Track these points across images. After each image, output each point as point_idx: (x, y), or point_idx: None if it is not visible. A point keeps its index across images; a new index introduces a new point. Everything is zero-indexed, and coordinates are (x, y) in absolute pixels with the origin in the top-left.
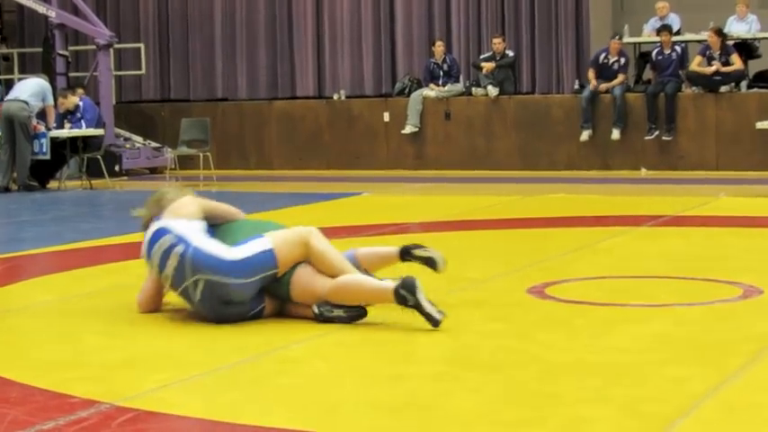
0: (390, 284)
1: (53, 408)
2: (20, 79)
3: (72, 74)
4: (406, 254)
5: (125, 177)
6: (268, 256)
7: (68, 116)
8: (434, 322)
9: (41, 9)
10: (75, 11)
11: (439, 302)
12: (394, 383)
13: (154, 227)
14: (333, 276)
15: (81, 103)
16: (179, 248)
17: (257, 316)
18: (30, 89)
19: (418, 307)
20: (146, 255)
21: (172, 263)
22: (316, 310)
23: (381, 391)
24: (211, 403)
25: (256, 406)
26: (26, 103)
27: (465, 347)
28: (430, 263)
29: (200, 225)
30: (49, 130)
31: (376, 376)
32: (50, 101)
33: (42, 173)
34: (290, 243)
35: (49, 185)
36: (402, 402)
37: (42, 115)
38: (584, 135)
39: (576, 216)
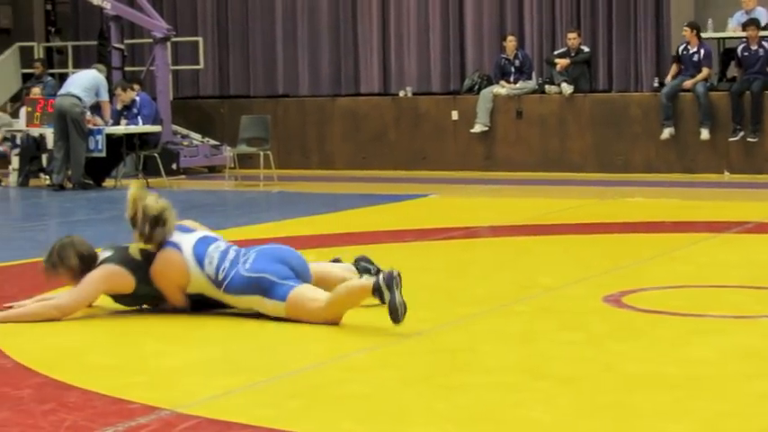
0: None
1: (112, 413)
2: (74, 73)
3: (128, 68)
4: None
5: (182, 176)
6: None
7: (125, 112)
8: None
9: (96, 1)
10: (131, 2)
11: (509, 310)
12: (463, 393)
13: (194, 236)
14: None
15: (138, 99)
16: (234, 246)
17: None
18: (82, 83)
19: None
20: (193, 256)
21: (229, 256)
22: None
23: (450, 400)
24: (275, 411)
25: (321, 414)
26: (79, 98)
27: (537, 357)
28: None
29: None
30: (105, 124)
31: (444, 385)
32: (104, 95)
33: (98, 171)
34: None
35: (104, 184)
36: (471, 413)
37: (97, 110)
38: (666, 133)
39: (654, 221)
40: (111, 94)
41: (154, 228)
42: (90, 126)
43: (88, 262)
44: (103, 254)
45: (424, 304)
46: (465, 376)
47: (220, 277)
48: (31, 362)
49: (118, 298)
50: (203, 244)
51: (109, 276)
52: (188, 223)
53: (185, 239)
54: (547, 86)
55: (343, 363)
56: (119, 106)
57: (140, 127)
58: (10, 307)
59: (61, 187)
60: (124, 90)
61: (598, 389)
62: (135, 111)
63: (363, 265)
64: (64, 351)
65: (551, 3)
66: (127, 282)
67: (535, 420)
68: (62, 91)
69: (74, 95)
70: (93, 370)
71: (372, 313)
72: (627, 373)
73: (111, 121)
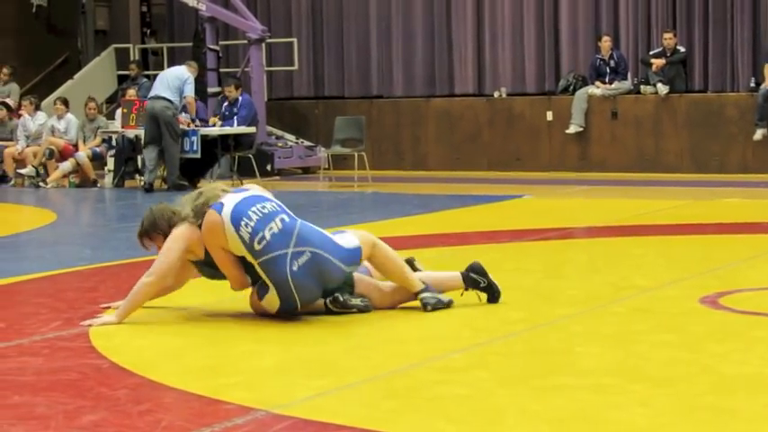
0: (457, 273)
1: (208, 414)
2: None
3: (222, 69)
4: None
5: (277, 177)
6: (358, 254)
7: (228, 109)
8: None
9: (191, 2)
10: (226, 4)
11: (605, 311)
12: (558, 394)
13: (240, 195)
14: (390, 278)
15: (240, 99)
16: (284, 216)
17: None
18: (169, 84)
19: (491, 286)
20: (230, 215)
21: (273, 226)
22: (339, 298)
23: (545, 402)
24: (370, 412)
25: (416, 416)
26: (170, 101)
27: (632, 358)
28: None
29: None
30: (193, 121)
31: (539, 387)
32: (189, 92)
33: (192, 171)
34: (367, 244)
35: (199, 185)
36: (566, 414)
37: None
38: (758, 134)
39: (751, 222)
40: (204, 94)
41: (191, 208)
42: (183, 127)
43: (176, 222)
44: (185, 209)
45: (520, 305)
46: (560, 377)
47: (257, 247)
48: (126, 362)
49: (200, 267)
50: (245, 204)
51: (184, 232)
52: (250, 186)
53: (230, 199)
54: (642, 87)
55: (438, 364)
56: (230, 100)
57: (235, 128)
58: (108, 307)
59: (152, 187)
60: (236, 88)
61: (695, 391)
62: (234, 110)
63: (473, 278)
64: (160, 352)
65: (647, 2)
66: (199, 239)
67: (631, 423)
68: (152, 93)
69: (165, 98)
70: (189, 370)
71: (466, 314)
72: (724, 375)
73: (195, 118)
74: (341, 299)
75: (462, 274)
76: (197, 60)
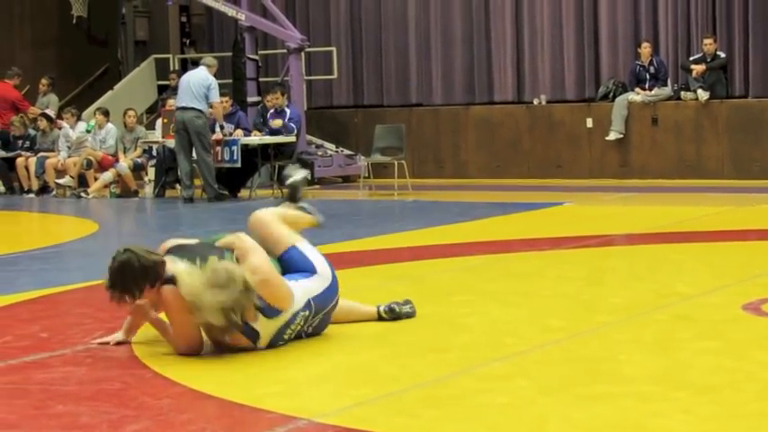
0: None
1: (250, 423)
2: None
3: (262, 78)
4: None
5: (317, 186)
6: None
7: (274, 118)
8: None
9: (231, 12)
10: (265, 13)
11: (647, 318)
12: (600, 402)
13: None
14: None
15: (288, 111)
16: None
17: None
18: (194, 92)
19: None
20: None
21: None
22: (395, 309)
23: (587, 410)
24: (411, 421)
25: (457, 424)
26: (199, 111)
27: (675, 366)
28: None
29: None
30: (222, 128)
31: (581, 395)
32: (214, 98)
33: (233, 181)
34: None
35: (239, 194)
36: (608, 423)
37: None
38: None
39: None
40: (244, 103)
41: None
42: (216, 137)
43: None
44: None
45: (561, 313)
46: (602, 385)
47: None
48: (169, 372)
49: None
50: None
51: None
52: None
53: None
54: (682, 93)
55: (479, 372)
56: (269, 106)
57: (275, 137)
58: (106, 342)
59: (192, 200)
60: (283, 95)
61: (739, 399)
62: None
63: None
64: (202, 361)
65: (686, 8)
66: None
67: (674, 430)
68: (178, 103)
69: (192, 108)
70: (231, 380)
71: (506, 322)
72: None
73: (222, 125)
74: (396, 309)
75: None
76: (237, 70)
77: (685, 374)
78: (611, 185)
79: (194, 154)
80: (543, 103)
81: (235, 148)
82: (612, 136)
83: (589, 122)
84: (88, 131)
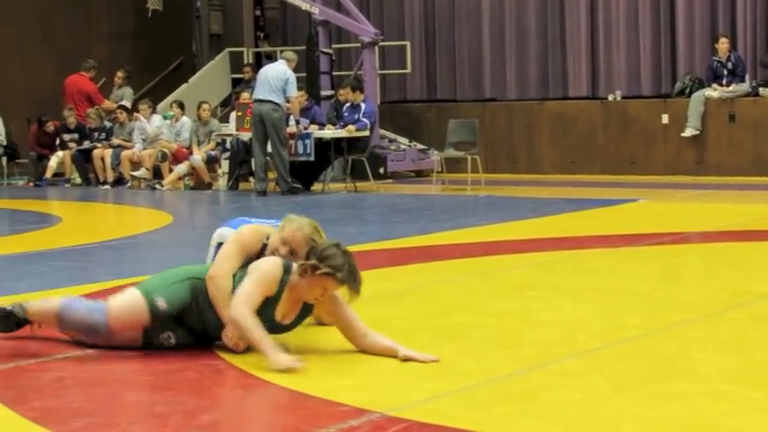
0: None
1: (323, 415)
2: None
3: (335, 72)
4: None
5: (390, 180)
6: None
7: (346, 113)
8: None
9: (305, 6)
10: (339, 7)
11: (722, 317)
12: (675, 401)
13: None
14: None
15: (363, 106)
16: None
17: None
18: (271, 85)
19: None
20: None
21: None
22: None
23: (662, 408)
24: (484, 416)
25: (531, 420)
26: (276, 104)
27: (751, 365)
28: None
29: None
30: (297, 123)
31: (656, 393)
32: (292, 92)
33: (306, 174)
34: None
35: (312, 188)
36: (684, 421)
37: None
38: None
39: None
40: (318, 97)
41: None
42: (291, 130)
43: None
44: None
45: (635, 310)
46: (677, 384)
47: None
48: (242, 363)
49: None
50: None
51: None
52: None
53: None
54: (761, 89)
55: (553, 368)
56: (343, 99)
57: (348, 131)
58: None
59: (265, 193)
60: (353, 91)
61: None
62: (356, 116)
63: None
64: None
65: (765, 3)
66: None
67: (750, 430)
68: (255, 95)
69: (269, 101)
70: (305, 372)
71: (580, 319)
72: None
73: (298, 120)
74: None
75: None
76: (311, 63)
77: (761, 374)
78: (686, 182)
79: (269, 147)
80: (618, 98)
81: (308, 141)
82: (688, 132)
83: (665, 118)
84: (165, 118)
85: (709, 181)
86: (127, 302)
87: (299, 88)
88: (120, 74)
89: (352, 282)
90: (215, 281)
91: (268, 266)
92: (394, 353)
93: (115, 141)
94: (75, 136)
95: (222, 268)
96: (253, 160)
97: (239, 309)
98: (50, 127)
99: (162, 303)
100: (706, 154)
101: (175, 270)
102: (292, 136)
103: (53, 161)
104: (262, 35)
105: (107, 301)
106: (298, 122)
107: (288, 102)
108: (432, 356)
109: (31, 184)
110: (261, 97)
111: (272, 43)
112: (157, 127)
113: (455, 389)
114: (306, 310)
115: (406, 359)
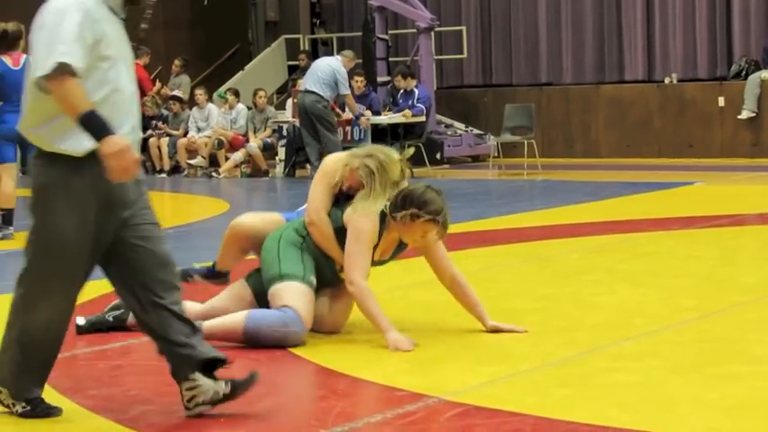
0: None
1: (380, 400)
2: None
3: (391, 58)
4: None
5: (446, 165)
6: None
7: (401, 100)
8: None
9: None
10: None
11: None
12: (733, 382)
13: None
14: None
15: (417, 92)
16: None
17: None
18: (319, 78)
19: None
20: None
21: None
22: None
23: (719, 390)
24: (541, 399)
25: (589, 403)
26: (320, 95)
27: None
28: None
29: None
30: (356, 119)
31: (712, 375)
32: (345, 90)
33: None
34: None
35: None
36: (740, 402)
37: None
38: None
39: None
40: (374, 84)
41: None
42: (346, 117)
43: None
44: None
45: (692, 292)
46: (735, 365)
47: None
48: (301, 350)
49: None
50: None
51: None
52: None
53: None
54: None
55: (609, 351)
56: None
57: (405, 115)
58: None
59: None
60: (404, 78)
61: None
62: (410, 102)
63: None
64: (333, 339)
65: None
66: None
67: None
68: (303, 86)
69: (313, 92)
70: (363, 358)
71: (637, 302)
72: None
73: (359, 112)
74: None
75: None
76: (367, 50)
77: None
78: (742, 165)
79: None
80: (674, 81)
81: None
82: (745, 114)
83: (721, 101)
84: (220, 97)
85: (766, 163)
86: (306, 301)
87: (358, 73)
88: (177, 62)
89: (447, 222)
90: (318, 226)
91: (367, 225)
92: (481, 319)
93: (164, 131)
94: None
95: (317, 211)
96: (306, 148)
97: (357, 280)
98: None
99: (313, 279)
100: (762, 136)
101: (273, 245)
102: (348, 122)
103: None
104: (318, 22)
105: (289, 307)
106: (358, 117)
107: (337, 99)
108: (520, 327)
109: None
110: (305, 88)
111: (328, 30)
112: (213, 116)
113: (512, 373)
114: (401, 245)
115: (493, 330)
